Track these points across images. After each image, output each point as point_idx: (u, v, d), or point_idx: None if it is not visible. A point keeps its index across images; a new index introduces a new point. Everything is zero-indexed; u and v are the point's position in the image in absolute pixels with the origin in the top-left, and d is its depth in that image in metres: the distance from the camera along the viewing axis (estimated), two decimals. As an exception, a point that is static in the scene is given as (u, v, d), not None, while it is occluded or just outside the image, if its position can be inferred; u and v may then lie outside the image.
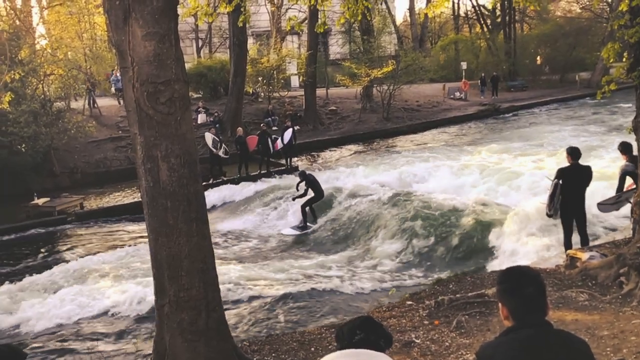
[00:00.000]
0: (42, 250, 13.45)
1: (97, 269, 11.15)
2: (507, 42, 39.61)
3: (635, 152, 8.01)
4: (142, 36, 4.50)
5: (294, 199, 13.92)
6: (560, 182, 7.85)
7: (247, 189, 16.81)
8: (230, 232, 14.17)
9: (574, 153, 7.85)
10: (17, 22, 20.41)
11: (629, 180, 8.13)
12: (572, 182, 7.80)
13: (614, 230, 9.84)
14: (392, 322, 6.26)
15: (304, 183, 13.56)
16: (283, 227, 13.83)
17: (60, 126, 19.15)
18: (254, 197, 16.17)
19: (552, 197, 7.88)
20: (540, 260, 8.74)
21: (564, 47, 39.08)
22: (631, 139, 7.70)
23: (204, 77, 27.48)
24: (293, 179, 17.78)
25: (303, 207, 13.48)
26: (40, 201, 15.82)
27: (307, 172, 14.39)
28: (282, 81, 29.12)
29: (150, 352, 5.59)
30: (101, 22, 30.16)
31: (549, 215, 8.13)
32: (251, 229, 14.42)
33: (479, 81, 34.57)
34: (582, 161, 8.05)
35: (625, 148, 8.07)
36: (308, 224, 13.46)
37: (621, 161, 8.37)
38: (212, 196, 16.12)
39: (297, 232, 13.33)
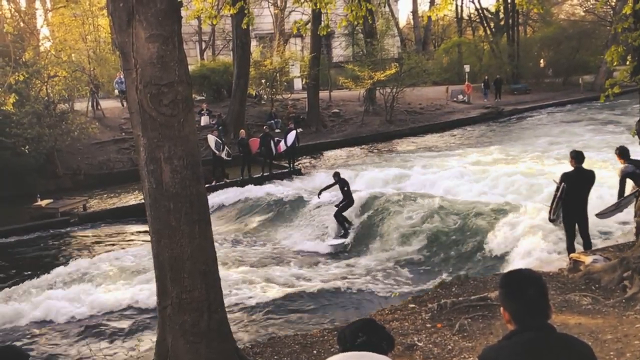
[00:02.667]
0: (45, 251, 13.47)
1: (100, 271, 11.17)
2: (511, 45, 39.59)
3: (633, 157, 7.98)
4: (146, 38, 4.51)
5: (336, 206, 12.82)
6: (565, 186, 7.82)
7: (250, 190, 16.80)
8: (231, 234, 14.17)
9: (577, 157, 7.80)
10: (22, 24, 20.47)
11: (629, 183, 8.05)
12: (575, 186, 7.78)
13: (617, 234, 9.81)
14: (395, 325, 6.25)
15: (338, 185, 12.62)
16: (327, 240, 12.81)
17: (64, 128, 19.20)
18: (256, 199, 16.15)
19: (557, 202, 7.86)
20: (543, 263, 8.72)
21: (567, 50, 39.04)
22: (636, 141, 7.69)
23: (207, 80, 27.54)
24: (295, 182, 17.82)
25: (337, 215, 12.66)
26: (43, 203, 15.84)
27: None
28: (285, 83, 29.16)
29: (152, 353, 5.59)
30: (105, 24, 30.37)
31: (551, 220, 8.11)
32: (252, 231, 14.42)
33: (482, 84, 34.54)
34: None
35: (622, 152, 7.91)
36: (347, 231, 12.69)
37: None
38: (215, 198, 16.12)
39: (341, 241, 12.49)
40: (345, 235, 12.64)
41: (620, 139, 16.59)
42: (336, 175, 12.86)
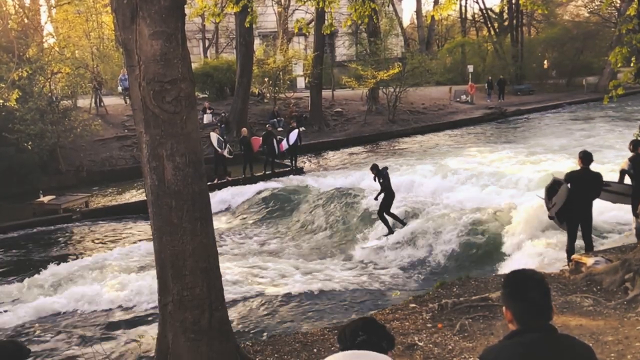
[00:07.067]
0: (47, 247, 13.49)
1: (101, 267, 11.18)
2: (514, 45, 39.54)
3: None
4: (149, 35, 4.51)
5: (375, 199, 12.26)
6: (569, 186, 7.82)
7: (251, 188, 16.82)
8: (233, 232, 14.18)
9: (585, 157, 7.81)
10: (26, 21, 20.49)
11: (627, 179, 8.32)
12: (579, 187, 7.76)
13: (618, 235, 9.80)
14: (395, 325, 6.25)
15: (377, 179, 11.82)
16: (364, 243, 12.25)
17: (67, 124, 19.21)
18: (257, 196, 16.17)
19: (549, 199, 7.95)
20: (545, 264, 8.71)
21: (571, 51, 38.98)
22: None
23: (210, 78, 27.54)
24: (295, 181, 17.80)
25: (380, 213, 11.92)
26: (46, 199, 15.87)
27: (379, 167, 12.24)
28: (288, 82, 29.16)
29: (153, 351, 5.60)
30: (109, 21, 30.35)
31: (551, 218, 8.15)
32: (253, 229, 14.43)
33: (486, 84, 34.53)
34: None
35: (634, 144, 8.26)
36: (395, 229, 11.95)
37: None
38: (216, 196, 16.13)
39: (382, 242, 11.84)
40: (389, 234, 11.86)
41: (626, 138, 16.66)
42: (374, 167, 11.97)
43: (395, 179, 14.92)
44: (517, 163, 16.99)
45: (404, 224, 12.07)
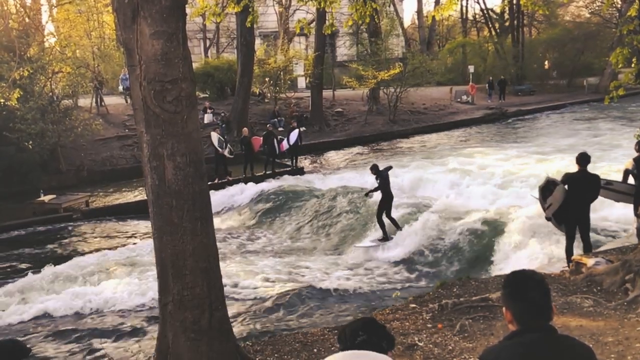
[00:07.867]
0: (48, 247, 13.50)
1: (102, 267, 11.18)
2: (515, 46, 39.54)
3: None
4: (150, 35, 4.51)
5: (366, 195, 12.41)
6: (566, 187, 7.83)
7: (251, 189, 16.82)
8: (232, 232, 14.18)
9: (582, 159, 7.82)
10: (27, 20, 20.51)
11: (630, 179, 8.37)
12: (576, 188, 7.77)
13: (619, 236, 9.80)
14: (396, 325, 6.25)
15: (376, 180, 11.63)
16: (358, 242, 12.12)
17: (67, 124, 19.21)
18: (258, 196, 16.17)
19: (544, 199, 7.97)
20: (545, 265, 8.71)
21: (572, 52, 38.99)
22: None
23: (211, 77, 27.54)
24: (296, 180, 17.81)
25: (379, 216, 11.74)
26: (47, 198, 15.88)
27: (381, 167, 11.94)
28: (289, 82, 29.16)
29: (153, 350, 5.60)
30: (110, 20, 30.39)
31: (548, 219, 8.16)
32: (254, 228, 14.43)
33: (487, 85, 34.52)
34: None
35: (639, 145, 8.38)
36: (390, 235, 11.78)
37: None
38: (217, 196, 16.12)
39: (375, 245, 11.72)
40: (384, 240, 11.74)
41: (632, 138, 16.65)
42: (374, 168, 11.70)
43: (398, 179, 14.88)
44: (523, 163, 16.98)
45: (400, 229, 11.91)
